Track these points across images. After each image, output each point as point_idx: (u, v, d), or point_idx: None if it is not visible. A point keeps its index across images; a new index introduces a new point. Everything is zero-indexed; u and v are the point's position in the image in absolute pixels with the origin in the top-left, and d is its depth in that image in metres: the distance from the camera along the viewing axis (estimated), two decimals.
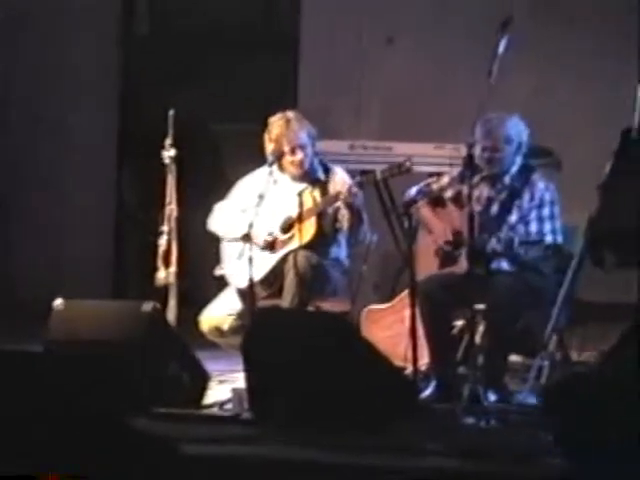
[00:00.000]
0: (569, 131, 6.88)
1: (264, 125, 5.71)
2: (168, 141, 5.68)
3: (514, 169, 5.40)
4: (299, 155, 5.63)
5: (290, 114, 5.68)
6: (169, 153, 5.69)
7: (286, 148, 5.61)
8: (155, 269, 5.64)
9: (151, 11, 7.90)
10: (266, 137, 5.69)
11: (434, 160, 6.58)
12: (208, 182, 6.77)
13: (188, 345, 5.14)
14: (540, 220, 5.30)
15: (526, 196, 5.35)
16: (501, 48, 4.91)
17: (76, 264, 7.73)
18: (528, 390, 5.33)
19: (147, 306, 5.02)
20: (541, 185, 5.37)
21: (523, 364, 5.82)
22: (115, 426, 4.07)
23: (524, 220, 5.30)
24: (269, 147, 5.68)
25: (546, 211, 5.31)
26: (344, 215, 5.54)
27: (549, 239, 5.17)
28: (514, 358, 5.78)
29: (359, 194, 5.47)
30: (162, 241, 5.65)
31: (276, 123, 5.65)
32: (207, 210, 5.80)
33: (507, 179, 5.40)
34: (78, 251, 7.77)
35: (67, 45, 7.82)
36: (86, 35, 7.83)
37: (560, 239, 5.28)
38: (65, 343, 4.94)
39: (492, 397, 5.13)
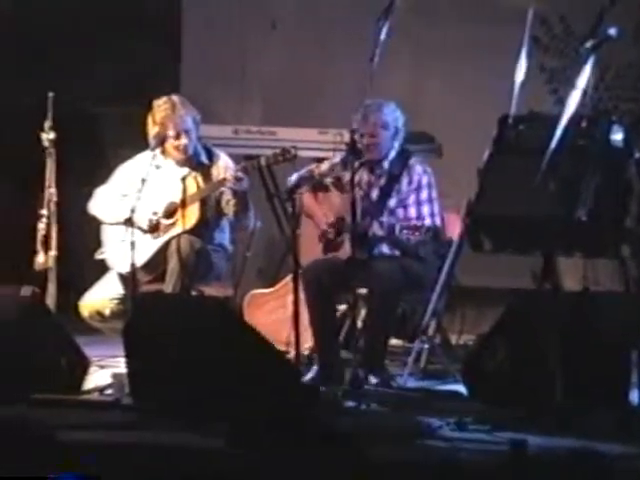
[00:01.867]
0: (449, 117, 6.98)
1: (146, 108, 5.66)
2: (48, 124, 5.59)
3: (392, 154, 5.48)
4: (184, 140, 5.60)
5: (175, 98, 5.64)
6: (48, 136, 5.60)
7: (171, 132, 5.57)
8: (34, 253, 5.55)
9: None
10: (150, 120, 5.64)
11: (318, 145, 6.62)
12: (88, 165, 6.68)
13: (68, 330, 5.07)
14: (418, 203, 5.40)
15: (404, 180, 5.44)
16: (383, 34, 4.95)
17: None
18: (408, 373, 5.42)
19: (26, 291, 4.95)
20: (419, 169, 5.46)
21: (403, 348, 5.91)
22: None
23: (403, 204, 5.39)
24: (152, 130, 5.63)
25: (424, 194, 5.42)
26: (229, 201, 5.53)
27: (428, 222, 5.27)
28: (395, 342, 5.86)
29: (244, 179, 5.46)
30: (41, 225, 5.56)
31: (161, 107, 5.61)
32: (87, 194, 5.73)
33: (386, 164, 5.48)
34: None
35: None
36: None
37: (439, 222, 5.39)
38: None
39: (373, 380, 5.20)
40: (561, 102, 4.79)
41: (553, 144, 4.49)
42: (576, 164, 4.60)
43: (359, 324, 5.35)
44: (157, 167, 5.58)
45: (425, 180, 5.44)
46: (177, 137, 5.59)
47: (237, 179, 5.42)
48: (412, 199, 5.41)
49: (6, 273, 7.09)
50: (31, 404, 4.58)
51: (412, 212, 5.38)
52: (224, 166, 5.66)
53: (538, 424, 4.30)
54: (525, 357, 4.57)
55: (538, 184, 4.48)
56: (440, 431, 4.34)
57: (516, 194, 4.67)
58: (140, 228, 5.46)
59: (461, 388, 4.93)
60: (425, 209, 5.39)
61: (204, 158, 5.70)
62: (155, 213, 5.55)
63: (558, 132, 4.49)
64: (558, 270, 4.95)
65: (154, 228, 5.55)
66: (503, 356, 4.62)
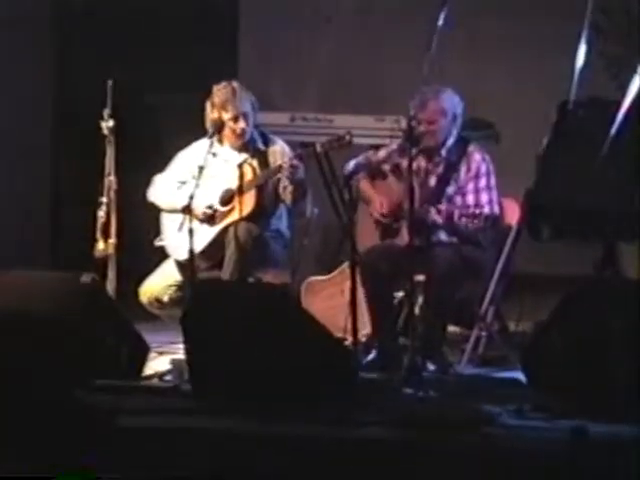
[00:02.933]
0: (507, 103, 6.93)
1: (204, 96, 5.69)
2: (107, 112, 5.63)
3: (450, 141, 5.45)
4: (242, 123, 5.61)
5: (235, 83, 5.67)
6: (108, 124, 5.64)
7: (229, 115, 5.59)
8: (95, 241, 5.60)
9: None
10: (208, 105, 5.66)
11: (375, 132, 6.60)
12: (147, 153, 6.72)
13: (127, 317, 5.11)
14: (477, 191, 5.37)
15: (463, 168, 5.40)
16: (440, 21, 4.92)
17: (13, 236, 7.63)
18: (466, 360, 5.40)
19: (86, 278, 5.00)
20: (477, 157, 5.42)
21: (461, 335, 5.88)
22: (55, 398, 4.05)
23: (461, 192, 5.36)
24: (211, 115, 5.64)
25: (483, 182, 5.38)
26: (286, 187, 5.54)
27: (486, 210, 5.23)
28: (452, 329, 5.84)
29: (300, 167, 5.47)
30: (101, 213, 5.61)
31: (221, 90, 5.63)
32: (147, 182, 5.77)
33: (444, 151, 5.45)
34: (15, 222, 7.67)
35: None
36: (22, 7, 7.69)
37: (497, 210, 5.35)
38: (3, 315, 4.89)
39: (431, 367, 5.19)
40: (622, 88, 4.74)
41: (613, 130, 4.44)
42: (637, 150, 4.54)
43: (417, 311, 5.33)
44: (214, 154, 5.60)
45: (484, 168, 5.39)
46: (235, 120, 5.61)
47: (293, 166, 5.43)
48: (470, 186, 5.37)
49: (67, 260, 7.19)
50: (92, 390, 4.62)
51: (470, 200, 5.34)
52: (281, 152, 5.67)
53: (598, 411, 4.26)
54: (584, 344, 4.53)
55: (598, 171, 4.44)
56: (499, 419, 4.32)
57: (576, 181, 4.63)
58: (197, 217, 5.48)
59: (520, 375, 4.89)
60: (484, 197, 5.35)
61: (261, 144, 5.71)
62: (210, 207, 5.56)
63: (619, 118, 4.44)
64: (618, 257, 4.90)
65: (210, 219, 5.57)
66: (562, 343, 4.58)
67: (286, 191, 5.54)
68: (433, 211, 5.21)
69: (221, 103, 5.59)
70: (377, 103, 6.94)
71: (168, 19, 7.58)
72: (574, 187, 4.60)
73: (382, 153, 5.63)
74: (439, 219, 5.20)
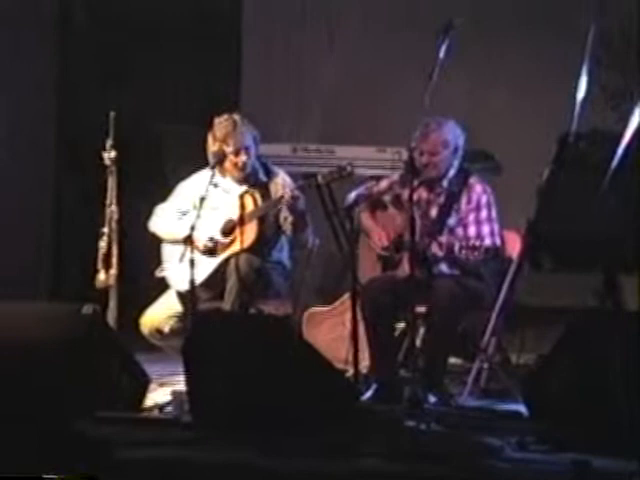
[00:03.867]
0: (508, 135, 6.94)
1: (206, 127, 5.70)
2: (109, 142, 5.64)
3: (452, 173, 5.45)
4: (243, 157, 5.63)
5: (236, 116, 5.68)
6: (109, 155, 5.65)
7: (231, 149, 5.61)
8: (95, 271, 5.60)
9: (89, 7, 7.80)
10: (210, 137, 5.68)
11: (376, 163, 6.61)
12: (149, 184, 6.73)
13: (128, 348, 5.10)
14: (478, 223, 5.36)
15: (464, 199, 5.41)
16: (442, 53, 4.94)
17: (14, 266, 7.63)
18: (467, 392, 5.38)
19: (87, 309, 4.99)
20: (478, 188, 5.43)
21: (463, 367, 5.87)
22: (55, 429, 4.03)
23: (462, 223, 5.36)
24: (212, 147, 5.66)
25: (484, 214, 5.38)
26: (287, 218, 5.55)
27: (488, 242, 5.23)
28: (454, 361, 5.82)
29: (301, 198, 5.48)
30: (102, 243, 5.61)
31: (223, 123, 5.65)
32: (148, 212, 5.77)
33: (445, 182, 5.45)
34: (16, 253, 7.67)
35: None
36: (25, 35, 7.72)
37: (498, 241, 5.34)
38: (3, 345, 4.88)
39: (432, 399, 5.17)
40: (623, 119, 4.75)
41: (615, 161, 4.44)
42: (638, 182, 4.55)
43: (418, 343, 5.32)
44: (215, 185, 5.61)
45: (484, 199, 5.40)
46: (237, 154, 5.62)
47: (293, 198, 5.44)
48: (472, 218, 5.37)
49: (69, 291, 7.18)
50: (92, 421, 4.60)
51: (472, 231, 5.34)
52: (282, 183, 5.68)
53: (601, 444, 4.24)
54: (588, 377, 4.51)
55: (599, 202, 4.44)
56: (501, 451, 4.30)
57: (577, 212, 4.62)
58: (197, 248, 5.48)
59: (521, 408, 4.88)
60: (485, 228, 5.35)
61: (262, 175, 5.72)
62: (212, 239, 5.56)
63: (620, 149, 4.45)
64: (619, 289, 4.90)
65: (211, 251, 5.57)
66: (565, 375, 4.56)
67: (287, 222, 5.55)
68: (434, 244, 5.20)
69: (222, 136, 5.61)
70: (378, 134, 6.96)
71: (170, 48, 7.60)
72: (575, 218, 4.60)
73: (383, 184, 5.64)
74: (439, 252, 5.20)
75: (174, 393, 5.02)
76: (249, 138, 5.63)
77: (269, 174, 5.75)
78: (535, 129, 6.65)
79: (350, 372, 5.17)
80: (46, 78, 7.67)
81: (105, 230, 5.62)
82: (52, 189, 7.79)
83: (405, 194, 5.32)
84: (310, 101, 7.54)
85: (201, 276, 5.48)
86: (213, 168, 5.55)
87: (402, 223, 5.39)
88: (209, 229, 5.58)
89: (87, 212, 6.11)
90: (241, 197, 5.63)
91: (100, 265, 5.59)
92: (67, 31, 7.77)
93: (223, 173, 5.70)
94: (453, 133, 5.43)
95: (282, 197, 5.50)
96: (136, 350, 5.22)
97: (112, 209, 5.64)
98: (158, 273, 5.70)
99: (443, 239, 5.22)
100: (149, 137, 7.56)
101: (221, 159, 5.61)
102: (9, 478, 3.76)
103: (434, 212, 5.44)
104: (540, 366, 4.87)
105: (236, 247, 5.55)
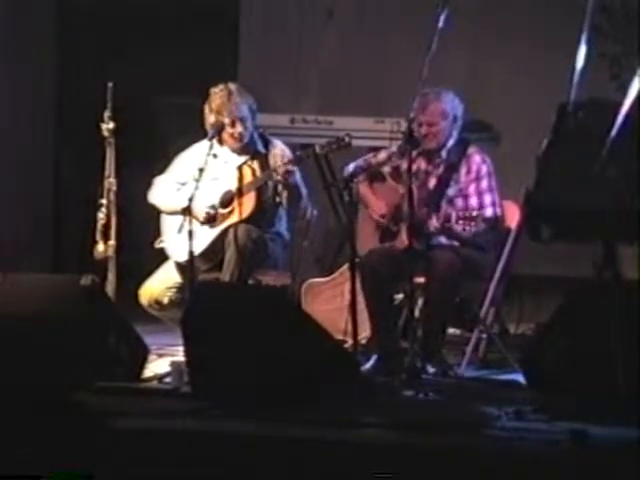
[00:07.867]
0: (507, 105, 6.92)
1: (204, 98, 5.68)
2: (107, 114, 5.63)
3: (451, 143, 5.44)
4: (239, 128, 5.61)
5: (232, 86, 5.66)
6: (108, 126, 5.63)
7: (226, 120, 5.59)
8: (95, 243, 5.60)
9: None
10: (206, 108, 5.66)
11: (374, 134, 6.60)
12: (148, 155, 6.72)
13: (127, 319, 5.11)
14: (479, 193, 5.36)
15: (463, 170, 5.40)
16: (441, 23, 4.92)
17: (14, 238, 7.63)
18: (466, 362, 5.39)
19: (86, 280, 4.99)
20: (477, 158, 5.42)
21: (461, 337, 5.88)
22: (54, 400, 4.04)
23: (462, 194, 5.35)
24: (209, 119, 5.65)
25: (484, 184, 5.37)
26: (282, 192, 5.54)
27: (490, 211, 5.23)
28: (452, 331, 5.83)
29: (295, 171, 5.47)
30: (101, 215, 5.61)
31: (217, 94, 5.62)
32: (147, 183, 5.77)
33: (444, 153, 5.44)
34: (16, 226, 7.67)
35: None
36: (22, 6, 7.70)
37: (499, 211, 5.34)
38: (2, 317, 4.89)
39: (431, 369, 5.18)
40: (623, 88, 4.72)
41: (614, 131, 4.42)
42: (637, 151, 4.53)
43: (416, 313, 5.33)
44: (214, 156, 5.60)
45: (484, 169, 5.39)
46: (233, 125, 5.61)
47: (287, 172, 5.43)
48: (473, 189, 5.36)
49: (67, 262, 7.19)
50: (92, 392, 4.61)
51: (473, 202, 5.33)
52: (280, 154, 5.67)
53: (599, 413, 4.26)
54: (585, 346, 4.52)
55: (598, 172, 4.42)
56: (499, 421, 4.31)
57: (576, 182, 4.60)
58: (197, 219, 5.48)
59: (520, 377, 4.89)
60: (487, 198, 5.34)
61: (260, 146, 5.71)
62: (212, 206, 5.56)
63: (619, 119, 4.43)
64: (618, 258, 4.89)
65: (210, 220, 5.57)
66: (563, 345, 4.57)
67: (281, 195, 5.55)
68: (432, 215, 5.19)
69: (217, 107, 5.59)
70: (377, 105, 6.94)
71: (168, 20, 7.58)
72: (573, 188, 4.58)
73: (382, 155, 5.63)
74: (437, 223, 5.19)
75: (173, 364, 5.03)
76: (245, 109, 5.61)
77: (267, 145, 5.74)
78: (533, 98, 6.63)
79: (349, 343, 5.19)
80: (45, 50, 7.66)
81: (104, 202, 5.62)
82: (51, 159, 7.79)
83: (404, 165, 5.31)
84: (309, 72, 7.51)
85: (200, 247, 5.48)
86: (211, 139, 5.54)
87: (400, 194, 5.39)
88: (208, 200, 5.58)
89: (86, 183, 6.09)
90: (239, 168, 5.63)
91: (99, 236, 5.59)
92: (66, 4, 7.75)
93: (222, 143, 5.69)
94: (452, 103, 5.41)
95: (275, 170, 5.49)
96: (135, 321, 5.23)
97: (110, 181, 5.63)
98: (157, 244, 5.70)
99: (442, 210, 5.21)
100: (148, 109, 7.55)
101: (219, 130, 5.59)
102: (9, 478, 3.77)
103: (432, 183, 5.43)
104: (538, 336, 4.87)
105: (234, 218, 5.55)
